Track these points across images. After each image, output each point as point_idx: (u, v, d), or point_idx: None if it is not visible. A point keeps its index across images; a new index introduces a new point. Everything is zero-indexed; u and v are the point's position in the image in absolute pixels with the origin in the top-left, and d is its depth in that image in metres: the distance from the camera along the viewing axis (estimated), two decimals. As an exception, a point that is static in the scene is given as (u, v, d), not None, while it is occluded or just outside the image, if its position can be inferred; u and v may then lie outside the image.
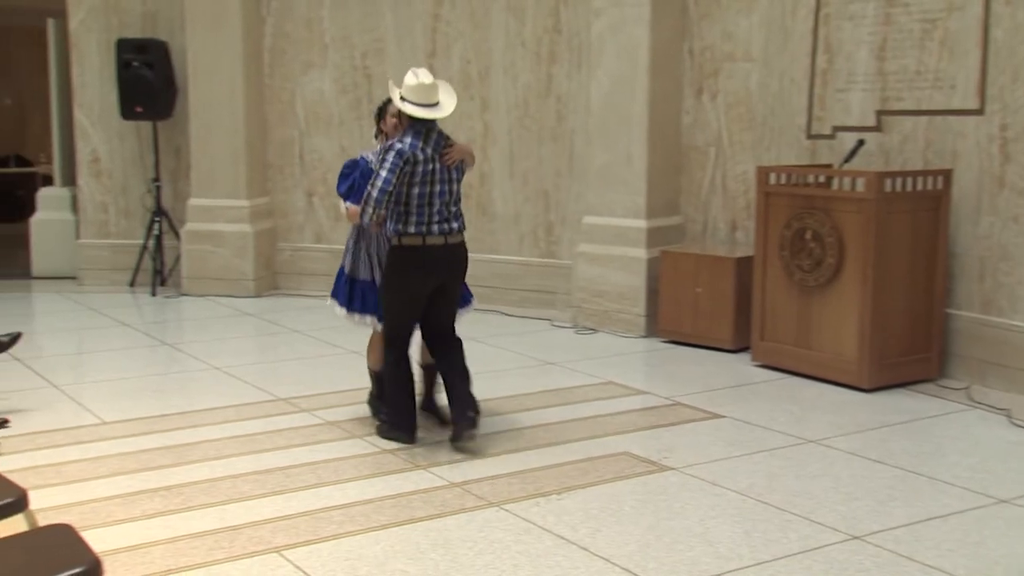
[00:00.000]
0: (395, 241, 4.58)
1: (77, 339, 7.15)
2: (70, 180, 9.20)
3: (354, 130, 8.22)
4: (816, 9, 6.29)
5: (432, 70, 7.81)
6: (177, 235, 8.53)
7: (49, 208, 9.31)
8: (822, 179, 5.84)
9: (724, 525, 3.79)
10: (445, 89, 4.64)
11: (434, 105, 4.55)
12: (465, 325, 7.20)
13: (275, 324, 7.31)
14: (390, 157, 4.46)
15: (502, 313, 7.62)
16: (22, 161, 14.69)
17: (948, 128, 5.77)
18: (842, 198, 5.62)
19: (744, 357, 6.24)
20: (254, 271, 8.31)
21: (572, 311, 7.28)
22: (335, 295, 4.95)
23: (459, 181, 4.69)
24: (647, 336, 6.82)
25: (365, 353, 5.04)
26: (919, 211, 5.60)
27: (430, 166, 4.52)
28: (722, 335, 6.42)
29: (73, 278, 8.88)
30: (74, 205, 9.08)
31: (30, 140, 15.14)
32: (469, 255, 4.83)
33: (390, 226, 4.57)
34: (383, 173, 4.45)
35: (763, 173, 6.04)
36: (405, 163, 4.45)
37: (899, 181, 5.56)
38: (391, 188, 4.44)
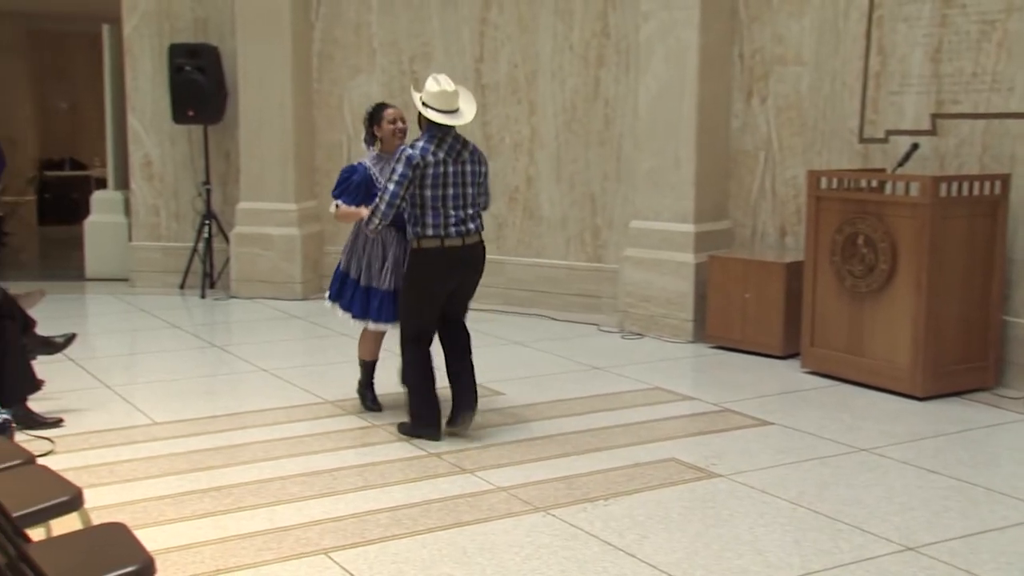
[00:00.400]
0: (415, 244, 4.66)
1: (129, 340, 7.25)
2: (123, 183, 9.34)
3: (401, 134, 8.25)
4: (869, 11, 6.20)
5: (479, 74, 7.93)
6: (226, 238, 8.62)
7: (102, 211, 9.47)
8: (875, 183, 5.75)
9: (774, 533, 3.74)
10: (465, 96, 4.72)
11: (455, 111, 4.62)
12: (510, 329, 7.22)
13: (322, 327, 7.36)
14: (399, 168, 4.56)
15: (548, 317, 7.60)
16: (76, 164, 14.97)
17: (1006, 132, 5.66)
18: (896, 203, 5.53)
19: (793, 363, 6.16)
20: (301, 274, 8.37)
21: (618, 316, 7.24)
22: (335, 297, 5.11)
23: (475, 184, 4.72)
24: (694, 341, 6.77)
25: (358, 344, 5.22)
26: (975, 216, 5.50)
27: (441, 169, 4.58)
28: (771, 341, 6.34)
29: (125, 280, 9.02)
30: (127, 208, 9.22)
31: (84, 144, 15.44)
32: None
33: (409, 228, 4.66)
34: (391, 187, 4.56)
35: (814, 177, 5.96)
36: (415, 169, 4.54)
37: (955, 186, 5.45)
38: (398, 201, 4.56)
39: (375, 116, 5.05)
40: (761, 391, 5.69)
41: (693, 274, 6.78)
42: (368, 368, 5.26)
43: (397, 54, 8.26)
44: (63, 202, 14.14)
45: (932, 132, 5.97)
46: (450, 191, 4.60)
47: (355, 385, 5.31)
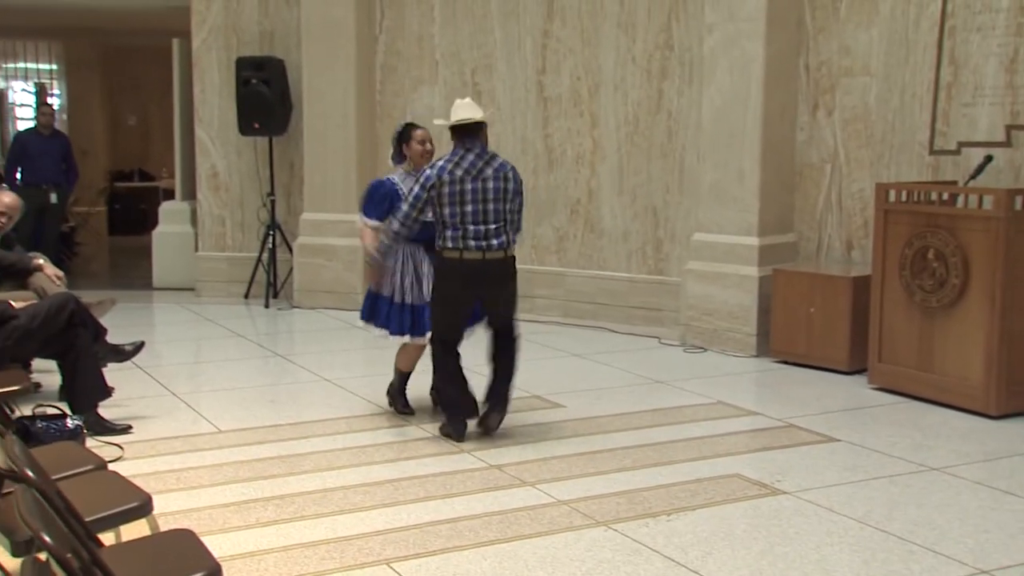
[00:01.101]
0: (438, 253, 4.82)
1: (194, 349, 7.37)
2: (190, 194, 9.51)
3: (463, 146, 8.29)
4: (941, 21, 6.07)
5: (541, 87, 7.93)
6: (290, 249, 8.73)
7: (170, 221, 9.65)
8: (946, 197, 5.62)
9: (841, 553, 3.66)
10: (474, 108, 4.92)
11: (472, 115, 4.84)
12: (571, 341, 7.18)
13: (383, 338, 7.39)
14: (415, 188, 4.76)
15: (609, 330, 7.56)
16: (145, 176, 15.28)
17: (1083, 144, 5.50)
18: (968, 216, 5.40)
19: (860, 379, 6.04)
20: (363, 285, 8.41)
21: (680, 329, 7.17)
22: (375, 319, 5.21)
23: (499, 201, 4.78)
24: (758, 356, 6.67)
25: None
26: (1051, 230, 5.35)
27: (458, 187, 4.71)
28: (837, 356, 6.23)
29: (192, 289, 9.18)
30: (193, 219, 9.38)
31: (152, 155, 15.77)
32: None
33: (436, 239, 4.81)
34: (404, 207, 4.79)
35: (882, 191, 5.85)
36: (430, 190, 4.71)
37: (1030, 199, 5.32)
38: (409, 222, 4.78)
39: (404, 135, 5.21)
40: (827, 407, 5.59)
41: (757, 287, 6.69)
42: (405, 377, 5.38)
43: (459, 66, 8.31)
44: (132, 213, 14.46)
45: (1007, 144, 5.82)
46: (468, 208, 4.72)
47: (422, 397, 5.35)
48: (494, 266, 4.80)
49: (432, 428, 5.12)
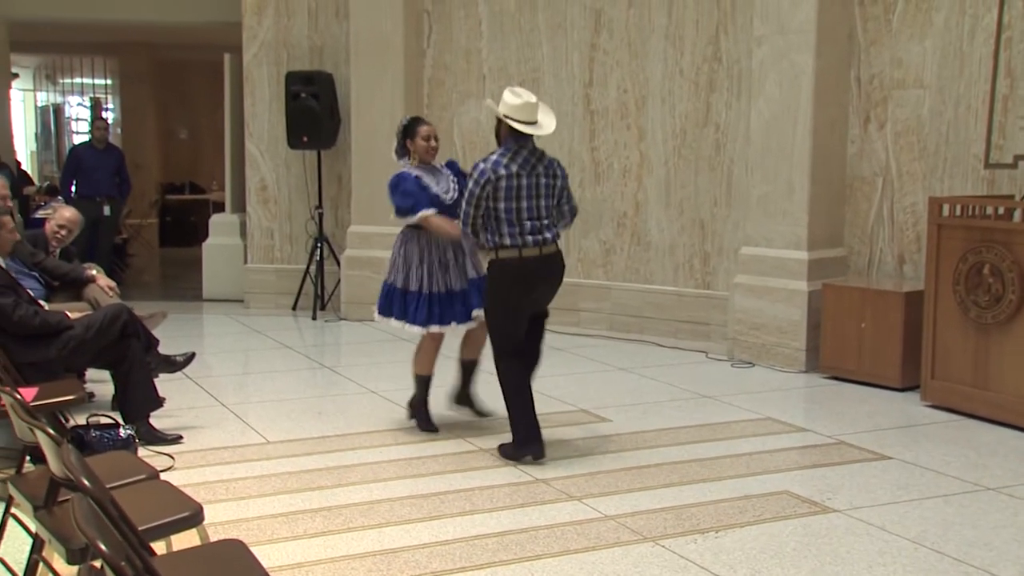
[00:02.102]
0: (493, 255, 4.76)
1: (243, 360, 7.44)
2: (240, 207, 9.63)
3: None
4: (997, 33, 5.97)
5: (588, 100, 7.93)
6: (337, 261, 8.79)
7: (220, 234, 9.77)
8: (1002, 211, 5.52)
9: (895, 574, 3.59)
10: (545, 109, 4.83)
11: (534, 123, 4.73)
12: (617, 355, 7.13)
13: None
14: (470, 185, 4.71)
15: (655, 344, 7.52)
16: (196, 188, 15.51)
17: None
18: (1025, 231, 5.30)
19: (913, 396, 5.94)
20: (410, 297, 8.46)
21: (728, 343, 7.11)
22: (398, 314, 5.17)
23: (549, 197, 4.77)
24: (807, 371, 6.59)
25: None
26: (1111, 245, 5.23)
27: (515, 182, 4.66)
28: (889, 373, 6.13)
29: (240, 301, 9.28)
30: (243, 231, 9.49)
31: (203, 168, 16.02)
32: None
33: (488, 238, 4.74)
34: (465, 206, 4.74)
35: (936, 204, 5.76)
36: (485, 186, 4.65)
37: (1089, 213, 5.20)
38: (470, 220, 4.73)
39: (409, 130, 5.22)
40: (878, 424, 5.50)
41: (806, 302, 6.61)
42: (425, 384, 5.30)
43: (507, 79, 8.32)
44: (183, 225, 14.68)
45: (1064, 157, 5.70)
46: (524, 203, 4.68)
47: (467, 410, 5.35)
48: (550, 261, 4.77)
49: (478, 442, 5.12)
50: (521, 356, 4.85)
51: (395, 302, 5.19)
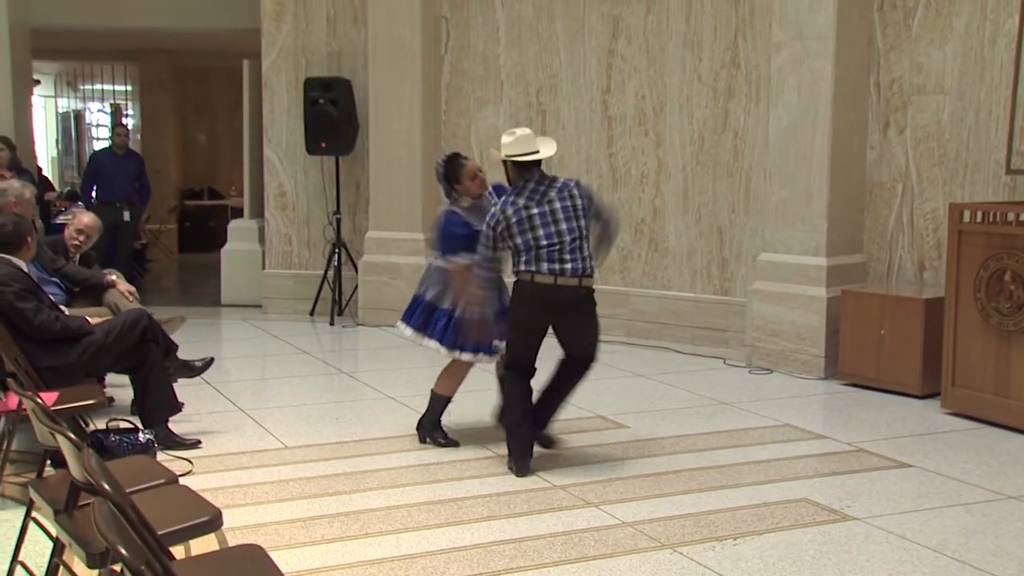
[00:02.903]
0: (514, 277, 4.79)
1: (261, 365, 7.47)
2: (258, 213, 9.67)
3: (527, 165, 8.30)
4: (1019, 38, 5.93)
5: (606, 106, 7.93)
6: (355, 266, 8.82)
7: (238, 239, 9.80)
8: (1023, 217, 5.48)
9: (916, 583, 3.56)
10: (544, 140, 4.89)
11: (535, 152, 4.76)
12: (634, 361, 7.12)
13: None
14: (484, 228, 4.75)
15: (673, 350, 7.50)
16: (214, 194, 15.58)
17: None
18: (1046, 237, 5.26)
19: (933, 404, 5.90)
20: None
21: (746, 350, 7.08)
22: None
23: (571, 220, 4.70)
24: (826, 378, 6.56)
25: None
26: None
27: (523, 214, 4.68)
28: (909, 380, 6.09)
29: (258, 306, 9.31)
30: (261, 236, 9.53)
31: (222, 174, 16.09)
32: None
33: (513, 264, 4.78)
34: (480, 249, 4.77)
35: (956, 211, 5.72)
36: (496, 227, 4.70)
37: (1111, 220, 5.16)
38: (488, 263, 4.77)
39: (451, 175, 5.04)
40: (898, 431, 5.46)
41: (825, 308, 6.58)
42: (443, 405, 5.23)
43: (524, 86, 8.34)
44: (202, 231, 14.75)
45: (1086, 163, 5.66)
46: (540, 232, 4.68)
47: (484, 416, 5.34)
48: (567, 293, 4.70)
49: (496, 448, 5.11)
50: (527, 375, 4.85)
51: (419, 314, 5.14)
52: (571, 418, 5.53)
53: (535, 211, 4.69)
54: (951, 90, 6.40)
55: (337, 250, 8.79)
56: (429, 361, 7.42)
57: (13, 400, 4.24)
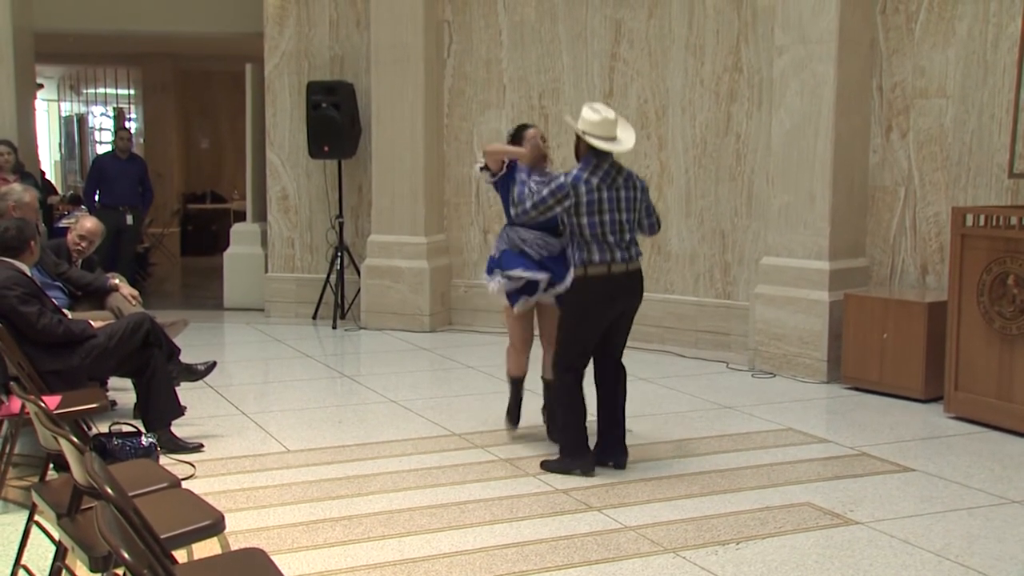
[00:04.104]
0: (580, 272, 4.67)
1: (263, 369, 7.46)
2: (261, 216, 9.67)
3: (530, 169, 8.31)
4: (1021, 41, 5.93)
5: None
6: (357, 270, 8.82)
7: (241, 243, 9.80)
8: (1026, 221, 5.48)
9: (919, 587, 3.56)
10: (624, 125, 4.78)
11: (614, 139, 4.67)
12: (637, 365, 7.09)
13: (449, 359, 7.43)
14: (544, 192, 4.64)
15: (675, 354, 7.49)
16: (217, 198, 15.60)
17: None
18: (1049, 241, 5.26)
19: (936, 408, 5.89)
20: (430, 307, 8.48)
21: (749, 354, 7.07)
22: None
23: (631, 211, 4.72)
24: (828, 382, 6.55)
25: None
26: None
27: (596, 195, 4.62)
28: (911, 384, 6.09)
29: (261, 310, 9.31)
30: (264, 240, 9.53)
31: (224, 178, 16.11)
32: (644, 294, 4.89)
33: (576, 255, 4.67)
34: (528, 204, 4.65)
35: (959, 214, 5.72)
36: (563, 199, 4.60)
37: (1115, 223, 5.15)
38: (526, 218, 4.70)
39: (516, 139, 5.12)
40: (901, 435, 5.45)
41: (827, 312, 6.58)
42: (513, 386, 5.26)
43: (527, 89, 8.34)
44: (204, 234, 14.76)
45: (1089, 167, 5.66)
46: (607, 217, 4.63)
47: (488, 420, 5.36)
48: (635, 277, 4.75)
49: (498, 452, 5.11)
50: (580, 378, 4.78)
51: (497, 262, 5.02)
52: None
53: (605, 195, 4.64)
54: (953, 94, 6.40)
55: (340, 254, 8.80)
56: (431, 365, 7.45)
57: (16, 404, 4.24)
